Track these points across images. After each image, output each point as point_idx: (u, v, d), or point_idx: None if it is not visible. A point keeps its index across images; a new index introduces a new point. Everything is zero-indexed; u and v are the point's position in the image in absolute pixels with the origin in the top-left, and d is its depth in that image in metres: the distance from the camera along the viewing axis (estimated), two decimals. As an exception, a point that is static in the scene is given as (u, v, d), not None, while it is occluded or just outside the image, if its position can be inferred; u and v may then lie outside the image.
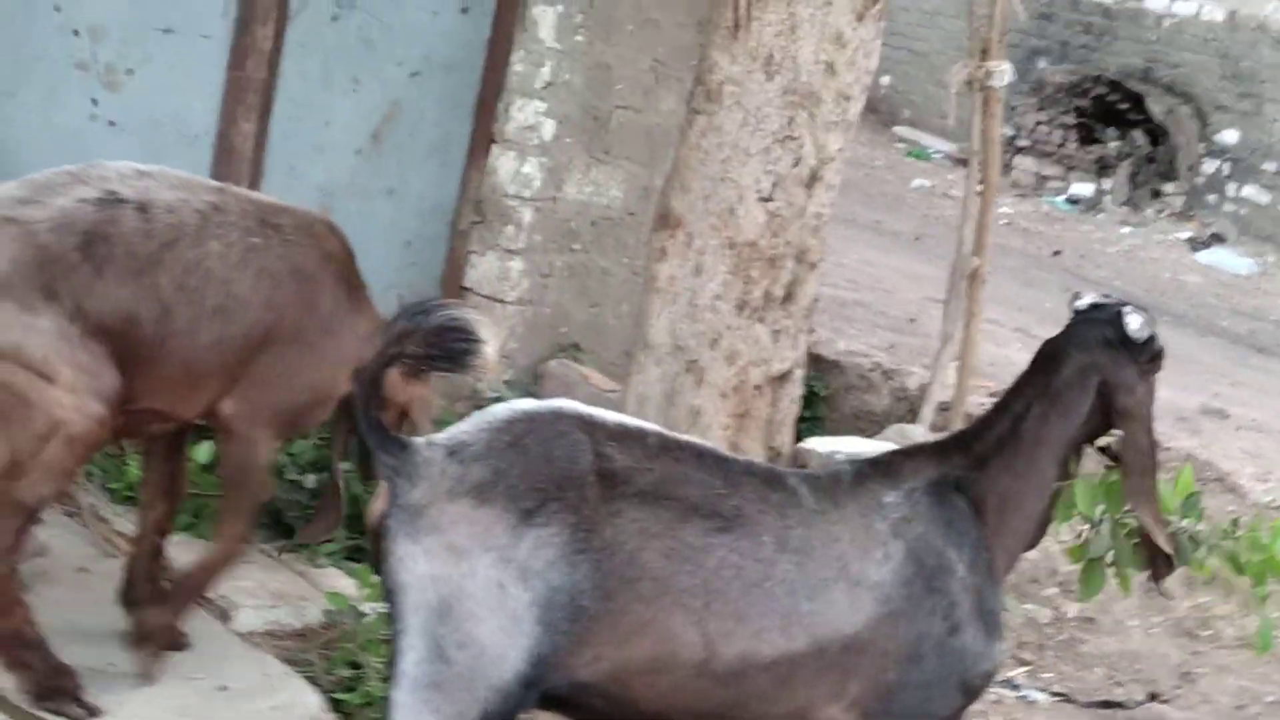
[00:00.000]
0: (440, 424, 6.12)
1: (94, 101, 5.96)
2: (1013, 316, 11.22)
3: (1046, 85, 20.19)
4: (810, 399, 6.95)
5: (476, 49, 6.88)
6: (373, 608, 4.90)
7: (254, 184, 6.34)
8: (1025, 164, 19.90)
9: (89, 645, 4.45)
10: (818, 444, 6.83)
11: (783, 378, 6.61)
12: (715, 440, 6.46)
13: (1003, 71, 6.93)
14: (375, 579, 4.85)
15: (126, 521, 5.21)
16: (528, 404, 3.46)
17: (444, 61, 6.80)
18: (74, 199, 4.03)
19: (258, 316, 4.24)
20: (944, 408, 7.32)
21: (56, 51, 5.87)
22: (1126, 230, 17.94)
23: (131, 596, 4.58)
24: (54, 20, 5.82)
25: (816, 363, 7.00)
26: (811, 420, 7.12)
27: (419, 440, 3.36)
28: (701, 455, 3.48)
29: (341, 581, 5.25)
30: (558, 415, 3.40)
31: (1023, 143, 19.93)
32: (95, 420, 4.04)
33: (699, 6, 7.02)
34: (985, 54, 6.97)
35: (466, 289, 7.02)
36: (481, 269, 7.02)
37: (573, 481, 3.31)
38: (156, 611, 4.51)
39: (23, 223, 3.97)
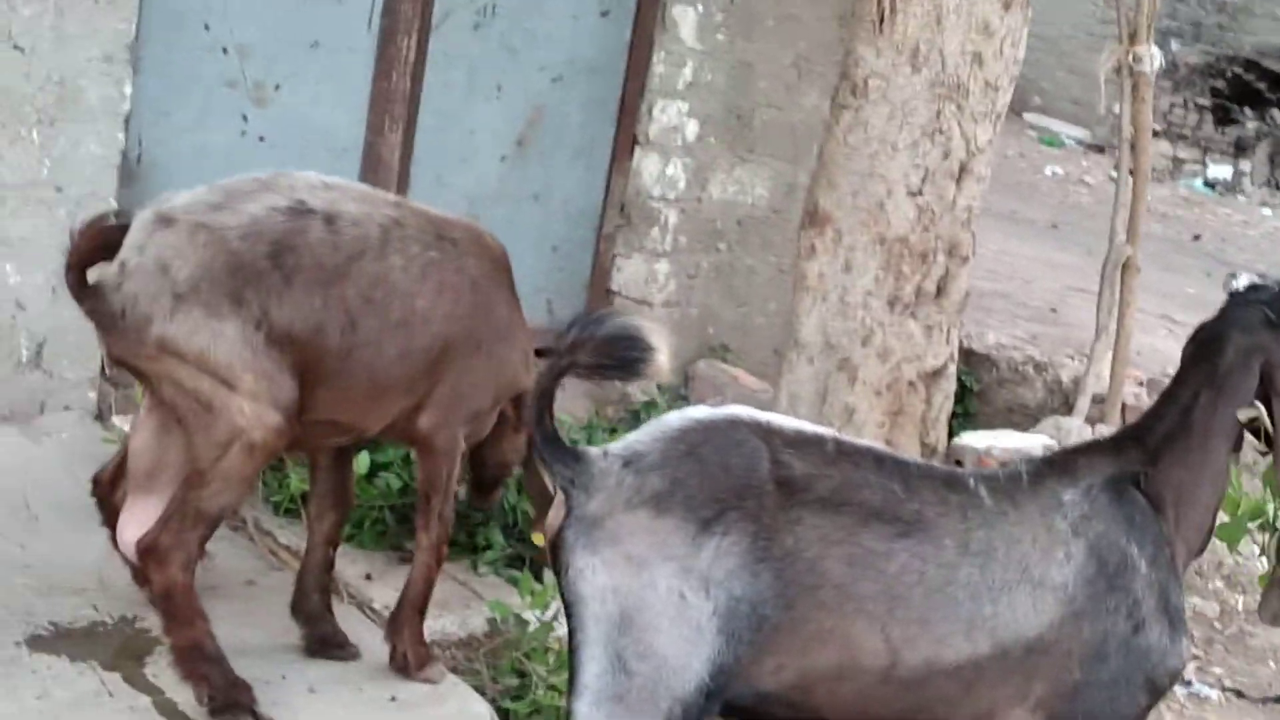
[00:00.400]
0: (591, 430, 6.15)
1: (244, 118, 6.01)
2: (1156, 303, 11.03)
3: (1180, 67, 19.89)
4: (962, 394, 6.86)
5: (617, 52, 6.86)
6: (536, 615, 4.88)
7: (402, 192, 6.36)
8: (1161, 148, 19.58)
9: (259, 658, 4.45)
10: (973, 439, 6.74)
11: (936, 373, 6.53)
12: (870, 438, 6.40)
13: (1153, 56, 6.80)
14: (537, 587, 4.90)
15: (290, 534, 5.24)
16: (702, 412, 3.43)
17: (586, 65, 6.80)
18: (264, 207, 4.03)
19: (439, 329, 4.25)
20: (1098, 400, 7.20)
21: (207, 70, 5.92)
22: (1267, 212, 17.64)
23: (303, 609, 4.61)
24: (203, 39, 5.87)
25: (967, 357, 6.91)
26: (964, 415, 7.03)
27: (594, 451, 3.34)
28: (880, 460, 3.42)
29: (503, 589, 5.23)
30: (733, 423, 3.36)
31: (1157, 126, 19.60)
32: (274, 429, 4.04)
33: (842, 1, 6.96)
34: (1134, 39, 6.84)
35: (613, 292, 7.01)
36: (628, 271, 7.01)
37: (751, 489, 3.26)
38: (400, 638, 4.54)
39: (214, 229, 3.96)
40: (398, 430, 4.45)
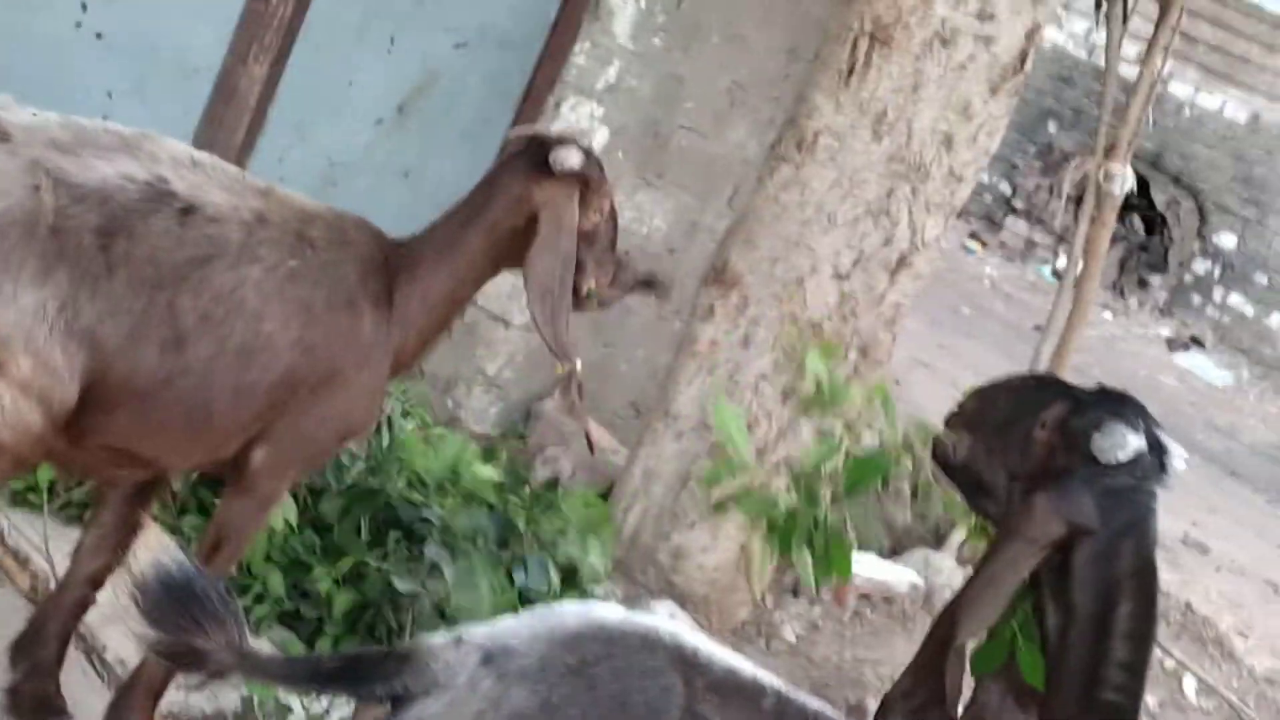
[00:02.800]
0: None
1: (83, 6, 4.93)
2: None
3: (1054, 150, 19.49)
4: (825, 497, 6.04)
5: (537, 31, 5.92)
6: (303, 704, 3.95)
7: (253, 138, 5.36)
8: (1018, 227, 19.25)
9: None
10: (837, 560, 5.90)
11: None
12: (725, 542, 5.55)
13: (1125, 178, 6.02)
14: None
15: (26, 534, 4.21)
16: (612, 614, 2.50)
17: (497, 37, 5.83)
18: (117, 171, 3.23)
19: (287, 359, 3.45)
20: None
21: (47, -64, 4.84)
22: (1108, 316, 17.31)
23: (29, 654, 3.64)
24: (50, -104, 4.80)
25: (839, 455, 6.10)
26: (823, 520, 6.19)
27: (439, 640, 2.41)
28: (831, 732, 2.52)
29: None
30: (649, 642, 2.45)
31: (1018, 204, 19.27)
32: (34, 437, 3.17)
33: (798, 32, 6.06)
34: (1110, 153, 6.05)
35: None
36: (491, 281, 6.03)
37: (652, 742, 2.36)
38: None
39: (53, 174, 3.14)
40: (211, 463, 3.61)
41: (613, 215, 3.85)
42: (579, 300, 3.78)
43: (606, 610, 2.52)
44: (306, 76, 5.45)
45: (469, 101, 5.88)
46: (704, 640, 2.57)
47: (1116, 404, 3.00)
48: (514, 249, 3.72)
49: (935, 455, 3.11)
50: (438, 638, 2.45)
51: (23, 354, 3.08)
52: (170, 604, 2.33)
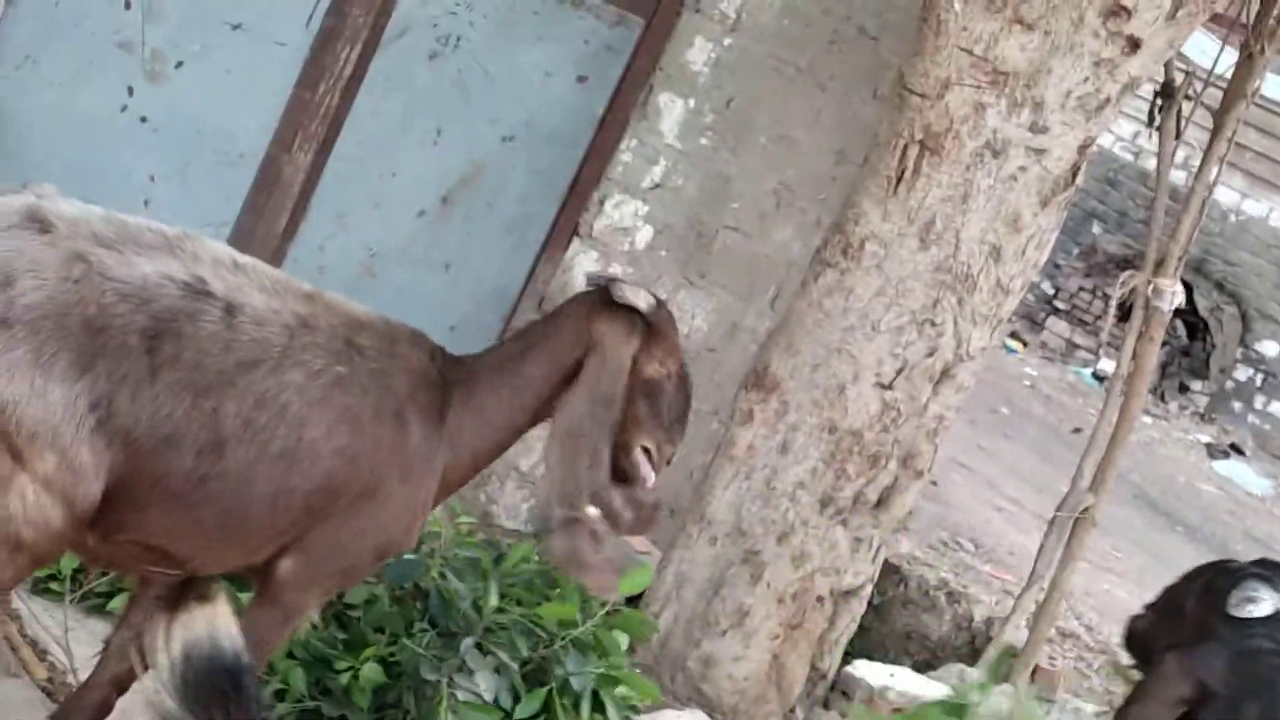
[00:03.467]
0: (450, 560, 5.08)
1: (130, 90, 4.95)
2: (1032, 499, 10.33)
3: (1098, 252, 19.41)
4: (860, 605, 5.92)
5: (584, 126, 5.88)
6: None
7: (294, 226, 5.36)
8: (1059, 327, 19.13)
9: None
10: (868, 671, 5.80)
11: (850, 593, 5.61)
12: (758, 648, 5.44)
13: (1175, 293, 5.92)
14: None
15: (46, 623, 4.13)
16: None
17: (544, 132, 5.80)
18: (158, 271, 3.16)
19: (328, 466, 3.36)
20: (1010, 653, 6.28)
21: (98, 20, 4.89)
22: (1147, 420, 17.16)
23: None
24: (104, -20, 4.80)
25: (876, 564, 5.98)
26: (858, 628, 6.06)
27: None
28: None
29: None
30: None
31: (1061, 305, 19.16)
32: (54, 536, 3.09)
33: (847, 135, 6.01)
34: (1159, 268, 5.96)
35: (505, 396, 5.95)
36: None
37: None
38: None
39: (94, 268, 3.08)
40: (245, 567, 3.52)
41: (682, 379, 3.76)
42: (624, 455, 3.68)
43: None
44: (350, 166, 5.43)
45: (513, 195, 5.85)
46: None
47: (1265, 568, 2.97)
48: (563, 386, 3.68)
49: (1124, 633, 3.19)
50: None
51: (49, 450, 3.02)
52: (210, 683, 2.25)
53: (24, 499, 3.02)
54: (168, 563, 3.36)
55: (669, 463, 3.77)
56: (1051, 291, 19.18)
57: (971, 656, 6.32)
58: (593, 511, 3.62)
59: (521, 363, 3.70)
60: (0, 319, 2.97)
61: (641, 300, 3.63)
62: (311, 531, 3.42)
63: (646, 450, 3.70)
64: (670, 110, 5.91)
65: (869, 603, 6.24)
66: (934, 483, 9.78)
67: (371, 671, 4.28)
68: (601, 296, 3.67)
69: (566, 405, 3.60)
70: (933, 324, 5.33)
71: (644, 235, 6.02)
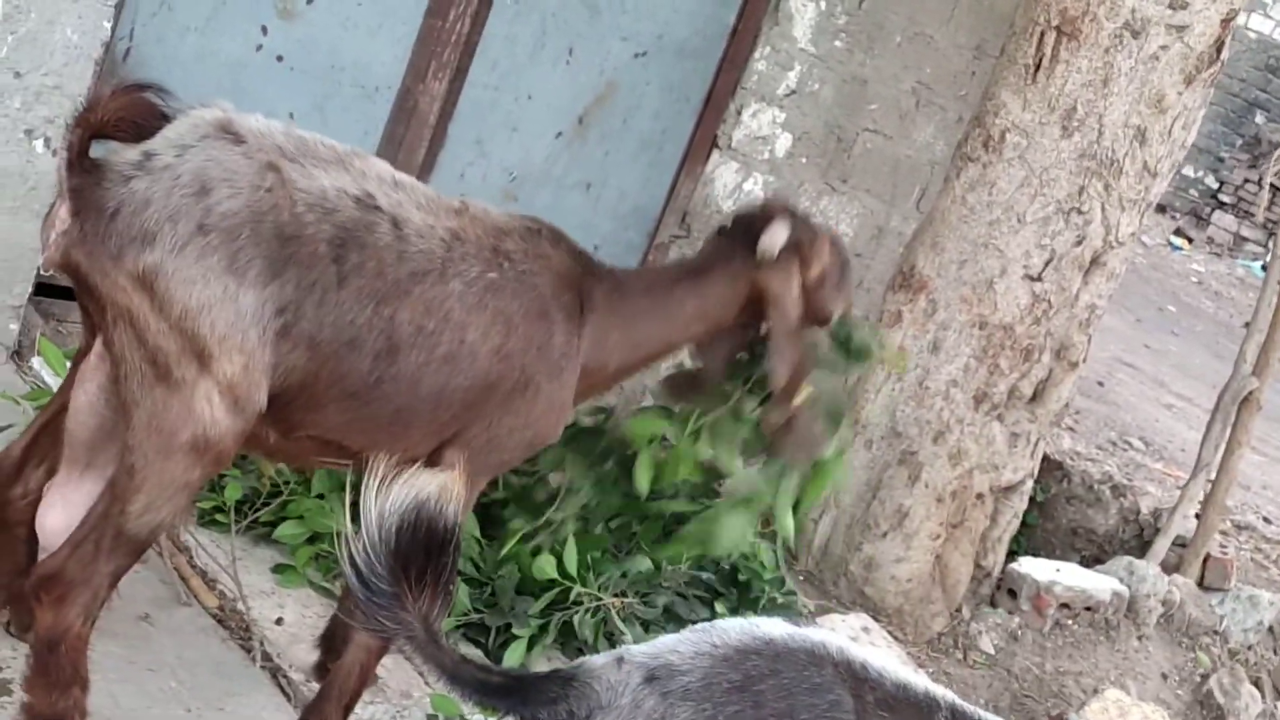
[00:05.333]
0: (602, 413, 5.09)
1: (264, 30, 4.98)
2: (1203, 396, 10.11)
3: (1261, 142, 18.94)
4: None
5: (716, 37, 5.84)
6: (485, 722, 3.90)
7: (433, 155, 5.37)
8: (1225, 221, 18.76)
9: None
10: (1033, 568, 5.76)
11: (1010, 489, 5.57)
12: (919, 550, 5.42)
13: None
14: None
15: (213, 554, 4.22)
16: (776, 629, 2.41)
17: (676, 45, 5.76)
18: (334, 184, 3.24)
19: (485, 366, 3.49)
20: (1179, 543, 6.20)
21: (229, -38, 4.89)
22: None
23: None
24: (232, -77, 4.84)
25: (1038, 461, 5.91)
26: (1021, 527, 6.01)
27: (601, 660, 2.34)
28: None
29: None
30: (815, 657, 2.36)
31: (1225, 198, 18.76)
32: (236, 435, 3.18)
33: (984, 28, 5.91)
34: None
35: (653, 312, 5.96)
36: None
37: (822, 759, 2.27)
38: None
39: (286, 178, 3.16)
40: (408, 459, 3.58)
41: (835, 248, 4.00)
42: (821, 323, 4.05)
43: (771, 625, 2.43)
44: (485, 92, 5.44)
45: (648, 111, 5.83)
46: (873, 654, 2.47)
47: None
48: (724, 317, 3.92)
49: None
50: (600, 658, 2.39)
51: (236, 353, 3.10)
52: (414, 546, 2.28)
53: (210, 401, 3.10)
54: (341, 454, 3.48)
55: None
56: (1215, 185, 18.80)
57: (1139, 549, 6.24)
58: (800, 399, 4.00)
59: (669, 299, 3.88)
60: (198, 225, 3.04)
61: (784, 234, 3.82)
62: (470, 426, 3.53)
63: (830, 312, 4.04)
64: (802, 15, 5.85)
65: (1032, 500, 6.19)
66: (1100, 383, 9.66)
67: (545, 563, 4.36)
68: (750, 244, 3.86)
69: (777, 344, 3.90)
70: (1079, 212, 5.25)
71: (783, 143, 5.98)
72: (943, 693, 2.47)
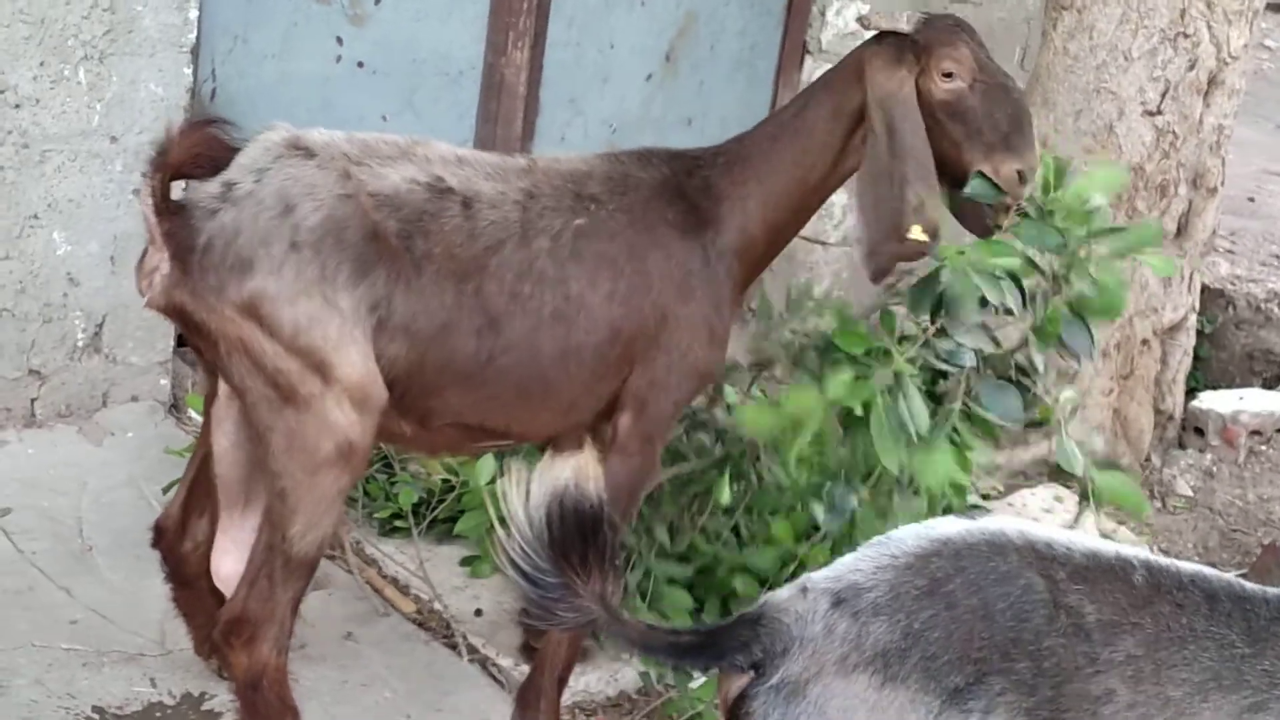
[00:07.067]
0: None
1: (339, 40, 5.02)
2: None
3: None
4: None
5: (786, -57, 5.75)
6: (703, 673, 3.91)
7: (530, 123, 5.39)
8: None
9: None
10: (1214, 401, 5.67)
11: (1174, 328, 5.47)
12: (1095, 407, 5.34)
13: None
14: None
15: (401, 561, 4.29)
16: (951, 528, 2.38)
17: (745, -40, 5.69)
18: (404, 178, 3.30)
19: (605, 314, 3.44)
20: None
21: (289, -17, 4.93)
22: None
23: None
24: (287, -52, 4.87)
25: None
26: (1195, 363, 5.90)
27: (784, 593, 2.33)
28: (1212, 595, 2.35)
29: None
30: (997, 546, 2.32)
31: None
32: (370, 433, 3.23)
33: None
34: None
35: (780, 229, 5.91)
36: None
37: (1024, 646, 2.24)
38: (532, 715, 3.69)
39: (358, 183, 3.22)
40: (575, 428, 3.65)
41: (989, 85, 3.57)
42: (955, 180, 3.59)
43: (945, 524, 2.40)
44: (567, 51, 5.44)
45: (733, 33, 5.78)
46: (1054, 530, 2.43)
47: None
48: (858, 125, 3.59)
49: None
50: (783, 591, 2.38)
51: (352, 354, 3.15)
52: (568, 533, 2.29)
53: (341, 407, 3.14)
54: (490, 436, 3.52)
55: (1024, 180, 3.58)
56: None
57: (1323, 360, 6.11)
58: (918, 232, 3.57)
59: (800, 120, 3.64)
60: (290, 244, 3.10)
61: (903, 22, 3.53)
62: (629, 381, 3.50)
63: (986, 176, 3.56)
64: (869, -100, 5.76)
65: (1201, 333, 6.07)
66: (1251, 199, 9.41)
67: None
68: (873, 41, 3.60)
69: (866, 157, 3.55)
70: (1185, 35, 5.12)
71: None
72: (1135, 552, 2.43)
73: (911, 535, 2.36)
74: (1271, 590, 2.41)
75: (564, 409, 3.50)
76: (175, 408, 4.83)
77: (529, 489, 2.28)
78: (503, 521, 2.31)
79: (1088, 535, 2.52)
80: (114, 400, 4.74)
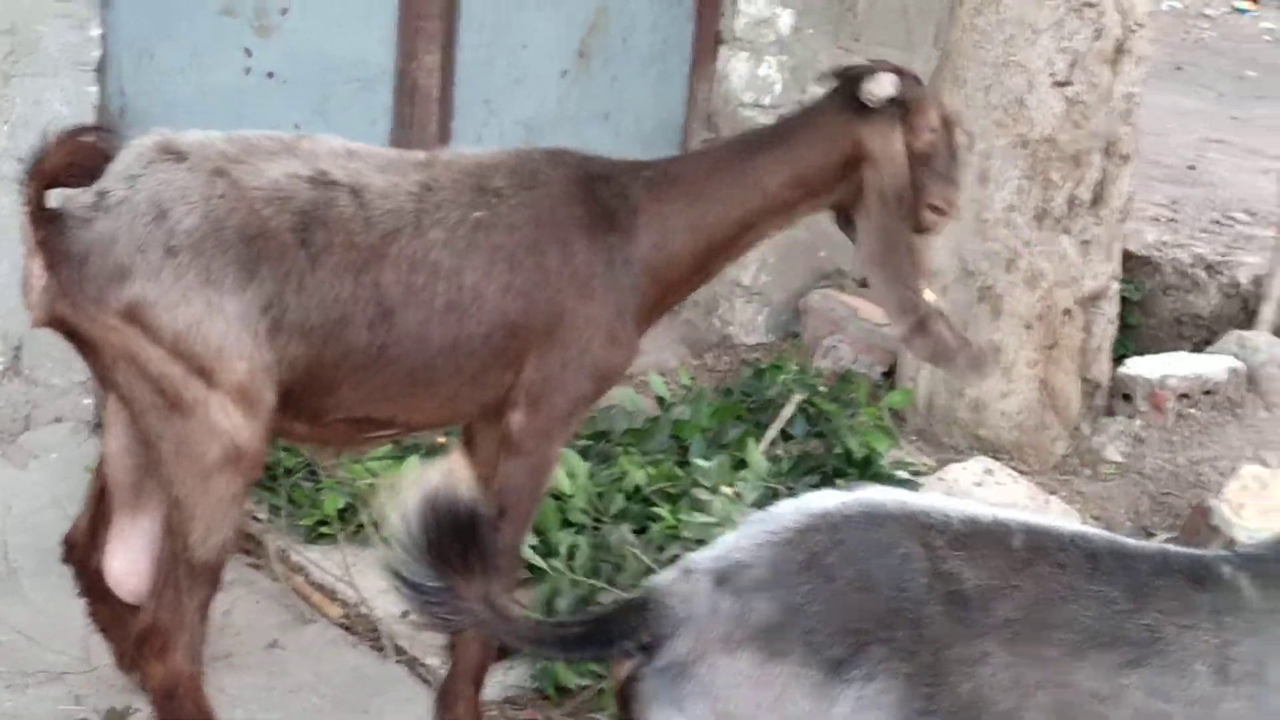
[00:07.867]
0: (691, 397, 5.13)
1: (247, 52, 5.02)
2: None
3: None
4: (1120, 306, 5.76)
5: (691, -68, 5.76)
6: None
7: (445, 126, 5.39)
8: (1296, -32, 18.11)
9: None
10: (1142, 367, 5.68)
11: (1096, 297, 5.49)
12: (1021, 379, 5.36)
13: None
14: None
15: (328, 566, 4.29)
16: (827, 500, 2.40)
17: (653, -48, 5.71)
18: (285, 172, 3.27)
19: (498, 305, 3.43)
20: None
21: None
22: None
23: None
24: (189, -40, 4.87)
25: (1124, 260, 5.80)
26: (1124, 330, 5.93)
27: (667, 577, 2.35)
28: (1092, 554, 2.37)
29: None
30: (874, 518, 2.34)
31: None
32: (260, 436, 3.23)
33: None
34: None
35: (704, 219, 5.93)
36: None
37: (904, 614, 2.26)
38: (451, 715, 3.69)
39: (235, 181, 3.20)
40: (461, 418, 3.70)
41: (946, 125, 3.68)
42: (923, 222, 3.67)
43: (822, 498, 2.41)
44: (479, 52, 5.44)
45: (645, 26, 5.78)
46: (934, 498, 2.46)
47: None
48: (819, 181, 3.65)
49: None
50: (665, 575, 2.40)
51: (235, 360, 3.14)
52: (446, 538, 2.30)
53: (226, 412, 3.14)
54: (378, 427, 3.51)
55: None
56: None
57: (1248, 320, 6.12)
58: (930, 298, 3.67)
59: (748, 164, 3.66)
60: (166, 249, 3.09)
61: (890, 87, 3.56)
62: (522, 375, 3.50)
63: (936, 207, 3.67)
64: (769, -116, 5.78)
65: (1128, 300, 6.10)
66: (1191, 167, 9.46)
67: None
68: (849, 94, 3.61)
69: (870, 223, 3.61)
70: (1090, 5, 5.15)
71: (786, 20, 5.91)
72: (1013, 515, 2.45)
73: (791, 510, 2.38)
74: (1152, 545, 2.43)
75: (449, 399, 3.49)
76: (99, 427, 4.82)
77: (402, 497, 2.29)
78: (376, 528, 2.32)
79: (964, 502, 2.53)
80: (37, 422, 4.73)
